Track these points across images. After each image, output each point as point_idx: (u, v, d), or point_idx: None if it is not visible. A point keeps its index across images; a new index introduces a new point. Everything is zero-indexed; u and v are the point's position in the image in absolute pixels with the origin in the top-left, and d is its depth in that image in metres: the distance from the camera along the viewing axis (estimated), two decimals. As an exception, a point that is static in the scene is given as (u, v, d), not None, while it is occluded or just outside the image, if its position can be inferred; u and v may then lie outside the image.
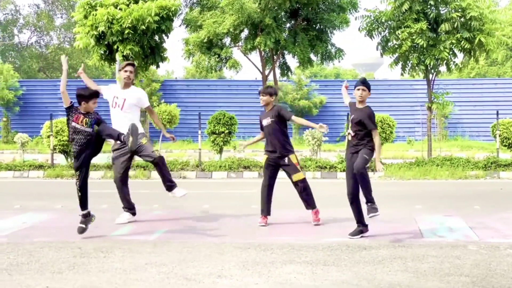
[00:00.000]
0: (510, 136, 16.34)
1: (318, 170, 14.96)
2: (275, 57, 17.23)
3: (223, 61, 17.36)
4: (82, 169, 6.75)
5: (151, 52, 15.78)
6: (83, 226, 6.87)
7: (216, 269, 5.25)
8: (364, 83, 6.80)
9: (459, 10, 15.15)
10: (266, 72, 17.52)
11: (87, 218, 6.91)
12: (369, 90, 6.81)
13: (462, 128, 29.92)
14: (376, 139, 6.71)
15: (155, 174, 14.85)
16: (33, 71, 45.76)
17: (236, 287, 4.74)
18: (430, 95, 16.31)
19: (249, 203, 9.57)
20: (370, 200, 6.57)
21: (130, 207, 7.94)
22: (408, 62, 16.27)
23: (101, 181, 14.36)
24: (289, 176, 7.59)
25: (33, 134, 25.00)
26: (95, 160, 17.25)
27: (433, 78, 16.44)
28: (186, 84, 33.11)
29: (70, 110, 6.76)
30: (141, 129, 7.46)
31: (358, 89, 6.77)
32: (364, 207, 6.68)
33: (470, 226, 7.24)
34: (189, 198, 8.92)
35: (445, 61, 15.91)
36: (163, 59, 16.15)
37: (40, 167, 15.69)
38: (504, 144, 16.45)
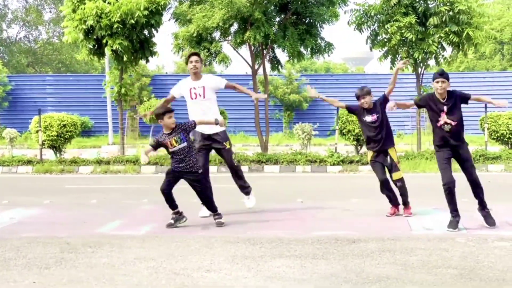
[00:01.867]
0: (498, 129, 16.41)
1: (308, 164, 14.96)
2: (264, 51, 17.19)
3: (213, 55, 17.27)
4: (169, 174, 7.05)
5: (141, 47, 15.73)
6: (171, 221, 7.04)
7: (205, 263, 5.25)
8: (443, 74, 6.73)
9: (448, 3, 15.19)
10: (256, 66, 17.48)
11: (177, 215, 7.09)
12: (448, 80, 6.77)
13: (451, 121, 30.05)
14: (478, 97, 7.01)
15: (144, 169, 14.81)
16: (21, 66, 45.45)
17: (225, 281, 4.74)
18: (419, 89, 16.37)
19: (239, 198, 9.56)
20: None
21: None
22: (397, 56, 16.32)
23: (90, 176, 14.31)
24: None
25: (22, 129, 24.82)
26: (85, 155, 17.23)
27: (422, 72, 16.50)
28: (176, 78, 32.83)
29: (159, 142, 6.89)
30: (223, 127, 7.67)
31: (438, 82, 6.70)
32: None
33: (458, 219, 7.26)
34: (178, 192, 8.89)
35: (433, 55, 15.98)
36: (152, 53, 16.11)
37: (29, 162, 15.60)
38: (492, 137, 16.54)
